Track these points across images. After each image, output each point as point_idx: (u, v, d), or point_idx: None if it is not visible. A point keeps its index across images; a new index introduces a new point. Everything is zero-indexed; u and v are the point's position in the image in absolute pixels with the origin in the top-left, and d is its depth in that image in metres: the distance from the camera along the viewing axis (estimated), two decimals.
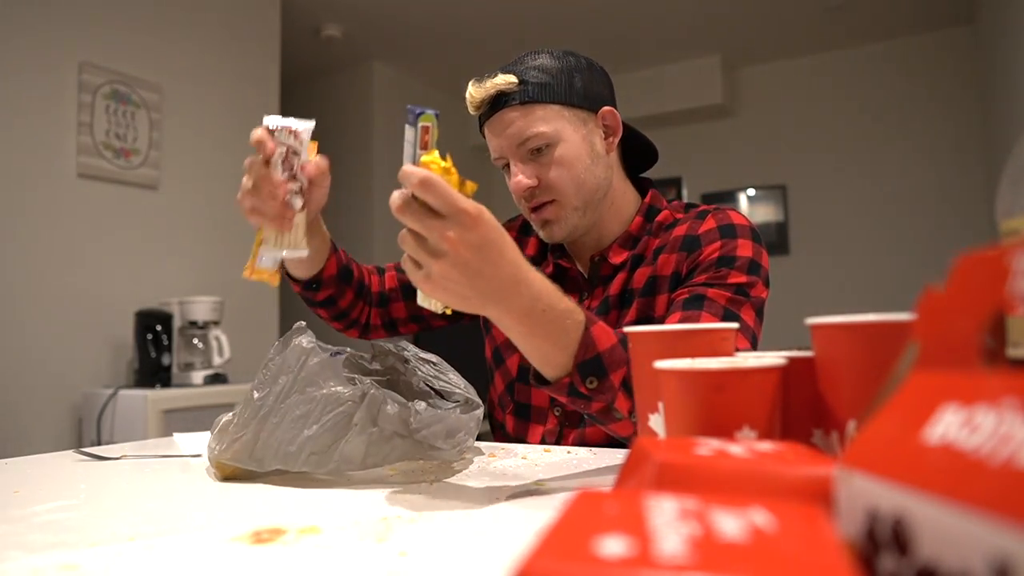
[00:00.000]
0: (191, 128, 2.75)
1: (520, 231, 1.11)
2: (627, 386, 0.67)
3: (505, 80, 0.90)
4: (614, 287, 0.96)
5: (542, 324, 0.64)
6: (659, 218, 0.98)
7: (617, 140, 0.97)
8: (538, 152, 0.92)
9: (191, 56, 2.77)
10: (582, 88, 0.93)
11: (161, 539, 0.49)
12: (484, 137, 0.97)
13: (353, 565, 0.43)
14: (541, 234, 0.97)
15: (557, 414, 0.97)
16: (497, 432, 1.05)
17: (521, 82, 0.90)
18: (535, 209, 0.95)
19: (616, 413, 0.70)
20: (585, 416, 0.77)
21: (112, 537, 0.50)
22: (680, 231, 0.94)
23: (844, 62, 4.04)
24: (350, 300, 1.05)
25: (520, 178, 0.92)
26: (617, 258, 0.97)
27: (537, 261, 1.06)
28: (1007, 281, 0.24)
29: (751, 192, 4.27)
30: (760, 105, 4.28)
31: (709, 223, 0.93)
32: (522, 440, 1.00)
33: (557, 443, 0.96)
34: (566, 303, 0.66)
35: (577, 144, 0.92)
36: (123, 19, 2.53)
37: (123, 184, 2.50)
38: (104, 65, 2.45)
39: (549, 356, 0.67)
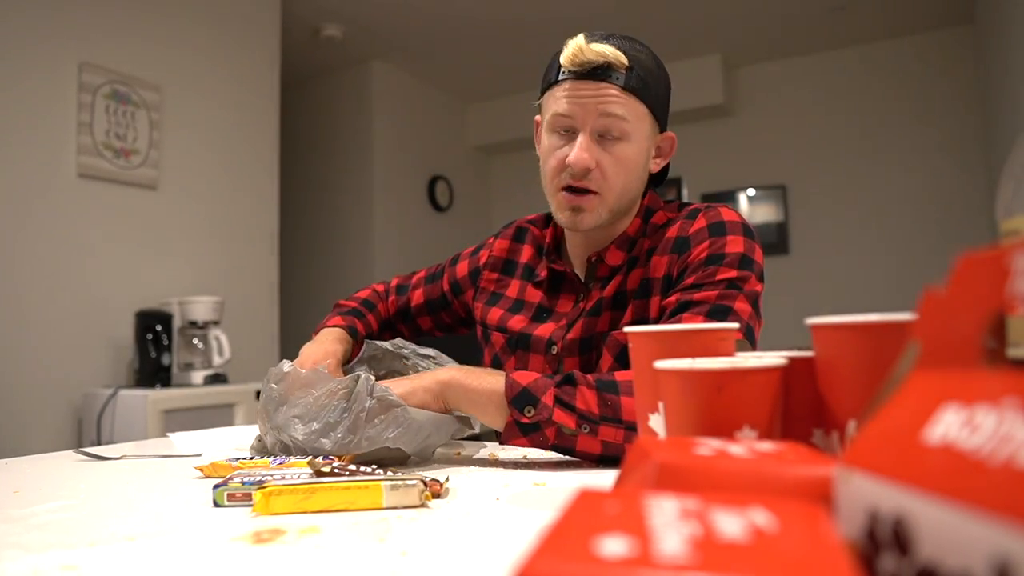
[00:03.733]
0: (191, 128, 2.75)
1: (513, 238, 1.11)
2: (561, 401, 0.76)
3: (616, 55, 0.87)
4: (609, 289, 0.95)
5: (475, 376, 0.80)
6: (654, 219, 0.98)
7: (663, 165, 0.98)
8: (607, 139, 0.90)
9: (191, 56, 2.77)
10: (665, 103, 0.94)
11: (161, 539, 0.49)
12: (548, 87, 0.93)
13: (353, 565, 0.43)
14: (562, 217, 0.94)
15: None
16: (499, 433, 1.05)
17: (630, 67, 0.88)
18: (574, 191, 0.91)
19: (565, 429, 0.76)
20: (562, 452, 0.80)
21: (112, 537, 0.50)
22: (672, 232, 0.94)
23: (844, 62, 4.04)
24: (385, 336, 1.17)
25: (585, 154, 0.88)
26: (614, 260, 0.97)
27: (531, 267, 1.06)
28: (1007, 281, 0.24)
29: (751, 192, 4.27)
30: (760, 105, 4.28)
31: (699, 222, 0.92)
32: None
33: None
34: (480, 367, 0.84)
35: (642, 151, 0.93)
36: (123, 19, 2.53)
37: (123, 184, 2.50)
38: (104, 65, 2.45)
39: (492, 401, 0.78)
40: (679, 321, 0.85)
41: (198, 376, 2.39)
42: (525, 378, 0.79)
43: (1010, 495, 0.18)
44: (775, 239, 4.13)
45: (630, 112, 0.88)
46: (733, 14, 3.63)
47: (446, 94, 4.66)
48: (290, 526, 0.52)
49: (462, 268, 1.14)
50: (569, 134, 0.91)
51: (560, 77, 0.91)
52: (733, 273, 0.86)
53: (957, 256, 0.26)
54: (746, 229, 0.91)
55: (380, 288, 1.20)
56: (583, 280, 1.00)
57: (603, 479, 0.69)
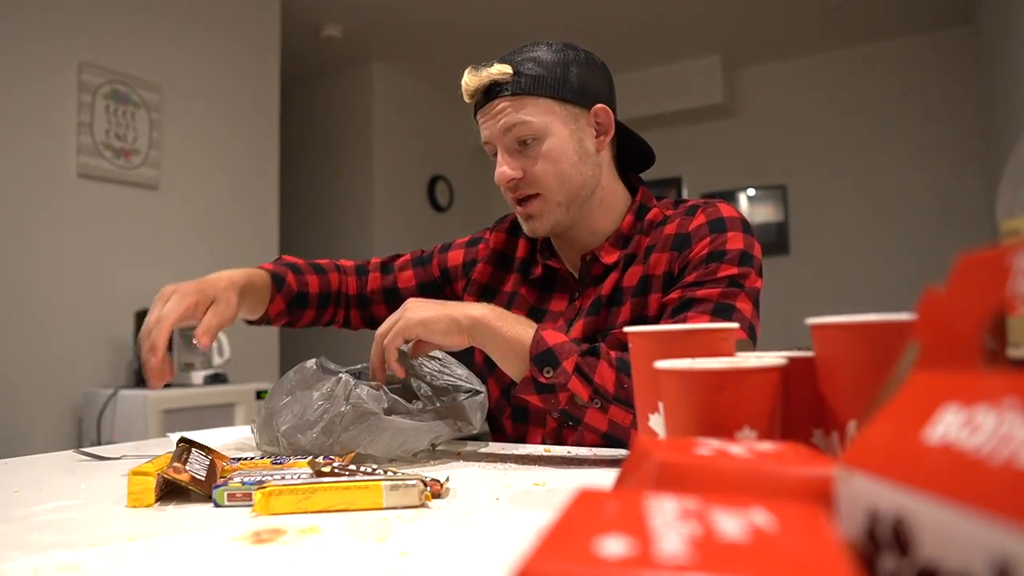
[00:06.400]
0: (191, 128, 2.75)
1: (509, 232, 1.10)
2: (580, 371, 0.77)
3: (499, 70, 0.91)
4: (606, 287, 0.95)
5: (505, 320, 0.80)
6: (649, 216, 0.98)
7: (608, 139, 0.96)
8: (525, 144, 0.92)
9: (191, 56, 2.77)
10: (576, 83, 0.92)
11: (161, 539, 0.49)
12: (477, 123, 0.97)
13: (353, 565, 0.43)
14: (524, 227, 0.98)
15: (555, 416, 0.97)
16: (496, 434, 1.05)
17: (515, 73, 0.90)
18: (520, 202, 0.95)
19: (577, 399, 0.77)
20: (567, 421, 0.81)
21: (112, 537, 0.50)
22: (671, 229, 0.94)
23: (844, 62, 4.04)
24: (312, 316, 1.10)
25: (504, 169, 0.93)
26: (609, 258, 0.96)
27: (527, 262, 1.06)
28: (1007, 281, 0.24)
29: (751, 192, 4.27)
30: (760, 105, 4.28)
31: (699, 219, 0.92)
32: (522, 442, 1.00)
33: (556, 444, 0.96)
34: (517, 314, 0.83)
35: (565, 139, 0.92)
36: (123, 19, 2.53)
37: (123, 184, 2.50)
38: (104, 65, 2.45)
39: (516, 351, 0.79)
40: (683, 319, 0.85)
41: (198, 376, 2.39)
42: (553, 338, 0.79)
43: (1010, 495, 0.18)
44: (775, 239, 4.13)
45: (530, 112, 0.90)
46: (733, 14, 3.63)
47: (446, 94, 4.65)
48: (290, 526, 0.52)
49: (456, 257, 1.12)
50: (491, 145, 0.96)
51: (474, 112, 0.97)
52: (735, 270, 0.87)
53: (957, 256, 0.26)
54: (745, 225, 0.92)
55: (344, 264, 1.14)
56: (577, 278, 1.00)
57: (603, 479, 0.69)
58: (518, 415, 1.00)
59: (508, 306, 1.03)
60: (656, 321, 0.90)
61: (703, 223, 0.91)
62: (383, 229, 4.07)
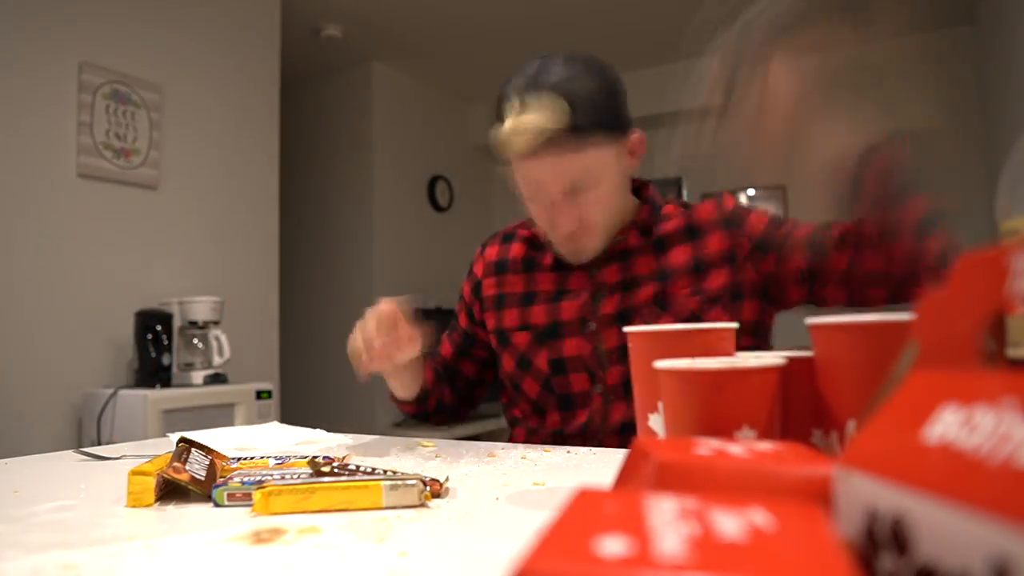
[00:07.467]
0: (191, 128, 2.75)
1: (502, 241, 1.12)
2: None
3: (549, 115, 0.80)
4: (643, 267, 0.98)
5: None
6: (665, 210, 1.02)
7: (639, 162, 0.98)
8: (577, 187, 0.88)
9: (191, 56, 2.77)
10: (619, 110, 0.91)
11: (161, 539, 0.49)
12: (501, 153, 0.90)
13: (353, 565, 0.43)
14: (563, 251, 0.97)
15: (600, 391, 0.97)
16: (531, 437, 1.05)
17: (568, 110, 0.82)
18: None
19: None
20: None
21: (111, 537, 0.50)
22: (707, 215, 0.98)
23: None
24: (448, 393, 1.13)
25: (563, 220, 0.89)
26: (636, 241, 0.99)
27: (529, 260, 1.06)
28: (1007, 281, 0.24)
29: (751, 192, 4.27)
30: None
31: (726, 203, 0.99)
32: (562, 433, 1.00)
33: (604, 421, 0.96)
34: None
35: (616, 176, 0.92)
36: (123, 19, 2.53)
37: (123, 184, 2.50)
38: (104, 65, 2.45)
39: None
40: (843, 258, 0.91)
41: (198, 376, 2.39)
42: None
43: (1008, 495, 0.18)
44: None
45: (591, 155, 0.85)
46: (734, 15, 3.63)
47: (446, 94, 4.66)
48: (290, 526, 0.52)
49: (466, 292, 1.14)
50: (540, 194, 0.90)
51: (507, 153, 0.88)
52: (791, 222, 0.96)
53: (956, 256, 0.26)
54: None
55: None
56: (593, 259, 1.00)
57: (603, 479, 0.69)
58: (564, 403, 1.00)
59: (527, 303, 1.04)
60: (732, 291, 0.93)
61: (733, 206, 0.98)
62: (383, 229, 4.07)
